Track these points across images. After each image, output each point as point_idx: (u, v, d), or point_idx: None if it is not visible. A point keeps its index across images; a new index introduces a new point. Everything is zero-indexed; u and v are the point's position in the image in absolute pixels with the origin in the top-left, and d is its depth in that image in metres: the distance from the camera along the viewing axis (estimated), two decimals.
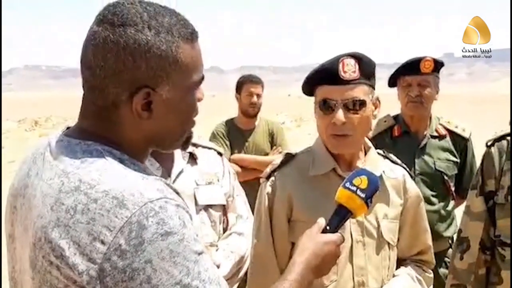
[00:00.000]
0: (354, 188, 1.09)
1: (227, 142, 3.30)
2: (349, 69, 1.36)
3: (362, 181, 1.10)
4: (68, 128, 0.93)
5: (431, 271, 1.58)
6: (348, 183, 1.11)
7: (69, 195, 0.79)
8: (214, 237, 1.66)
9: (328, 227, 1.08)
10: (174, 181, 1.61)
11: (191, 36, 0.87)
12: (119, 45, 0.81)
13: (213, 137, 3.31)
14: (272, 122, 3.59)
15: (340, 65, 1.35)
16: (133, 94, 0.83)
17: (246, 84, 3.36)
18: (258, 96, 3.37)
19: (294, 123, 20.68)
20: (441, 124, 2.50)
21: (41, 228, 0.80)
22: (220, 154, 1.81)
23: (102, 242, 0.75)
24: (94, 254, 0.75)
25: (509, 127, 1.85)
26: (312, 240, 1.05)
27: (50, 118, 20.46)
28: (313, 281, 1.03)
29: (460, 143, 2.49)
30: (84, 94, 0.89)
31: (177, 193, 0.84)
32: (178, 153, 1.65)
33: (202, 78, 0.91)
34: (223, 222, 1.74)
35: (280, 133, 3.51)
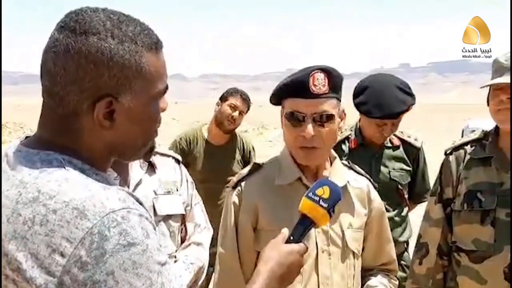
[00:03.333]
0: (317, 198, 1.10)
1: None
2: (319, 83, 1.37)
3: (324, 191, 1.11)
4: (26, 137, 0.90)
5: (397, 279, 1.61)
6: (311, 193, 1.12)
7: (27, 206, 0.76)
8: (173, 247, 1.63)
9: (292, 237, 1.09)
10: (133, 192, 1.57)
11: (155, 45, 0.86)
12: (81, 53, 0.79)
13: (174, 148, 3.03)
14: (246, 141, 3.33)
15: (311, 79, 1.36)
16: (95, 102, 0.82)
17: (235, 96, 3.10)
18: (241, 113, 3.11)
19: (256, 131, 20.79)
20: (394, 135, 2.56)
21: None
22: (178, 161, 1.76)
23: (62, 255, 0.72)
24: (53, 267, 0.72)
25: (460, 136, 1.93)
26: (276, 250, 1.06)
27: (5, 125, 19.57)
28: None
29: (413, 152, 2.56)
30: (43, 102, 0.86)
31: (141, 203, 0.83)
32: (136, 163, 1.60)
33: (166, 88, 0.90)
34: (181, 231, 1.71)
35: (253, 155, 3.27)
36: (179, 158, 1.78)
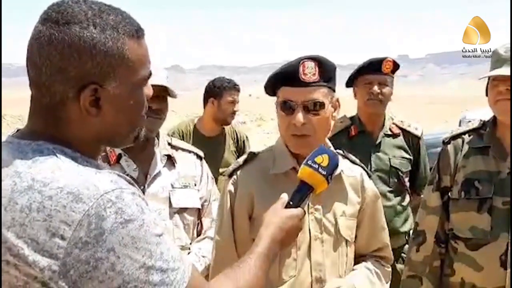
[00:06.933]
0: (316, 166, 1.15)
1: None
2: (309, 71, 1.39)
3: (323, 159, 1.16)
4: (17, 130, 0.92)
5: (390, 266, 1.62)
6: (310, 161, 1.17)
7: (23, 194, 0.78)
8: (187, 240, 1.68)
9: (291, 202, 1.15)
10: (150, 183, 1.64)
11: (137, 33, 0.88)
12: (64, 43, 0.82)
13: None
14: (239, 131, 3.33)
15: (301, 68, 1.39)
16: (80, 91, 0.84)
17: (230, 91, 3.09)
18: (237, 104, 3.14)
19: (255, 122, 20.80)
20: (394, 124, 2.59)
21: None
22: (200, 157, 1.81)
23: (62, 237, 0.75)
24: (55, 249, 0.75)
25: (458, 126, 1.94)
26: (277, 215, 1.12)
27: (4, 117, 19.55)
28: (278, 253, 1.10)
29: (413, 141, 2.59)
30: (31, 94, 0.88)
31: (132, 183, 0.85)
32: (157, 155, 1.67)
33: (150, 74, 0.92)
34: (197, 226, 1.75)
35: (247, 145, 3.28)
36: (201, 154, 1.83)
